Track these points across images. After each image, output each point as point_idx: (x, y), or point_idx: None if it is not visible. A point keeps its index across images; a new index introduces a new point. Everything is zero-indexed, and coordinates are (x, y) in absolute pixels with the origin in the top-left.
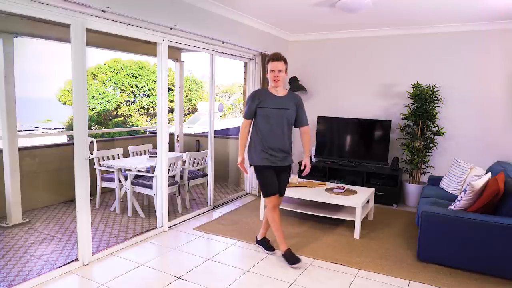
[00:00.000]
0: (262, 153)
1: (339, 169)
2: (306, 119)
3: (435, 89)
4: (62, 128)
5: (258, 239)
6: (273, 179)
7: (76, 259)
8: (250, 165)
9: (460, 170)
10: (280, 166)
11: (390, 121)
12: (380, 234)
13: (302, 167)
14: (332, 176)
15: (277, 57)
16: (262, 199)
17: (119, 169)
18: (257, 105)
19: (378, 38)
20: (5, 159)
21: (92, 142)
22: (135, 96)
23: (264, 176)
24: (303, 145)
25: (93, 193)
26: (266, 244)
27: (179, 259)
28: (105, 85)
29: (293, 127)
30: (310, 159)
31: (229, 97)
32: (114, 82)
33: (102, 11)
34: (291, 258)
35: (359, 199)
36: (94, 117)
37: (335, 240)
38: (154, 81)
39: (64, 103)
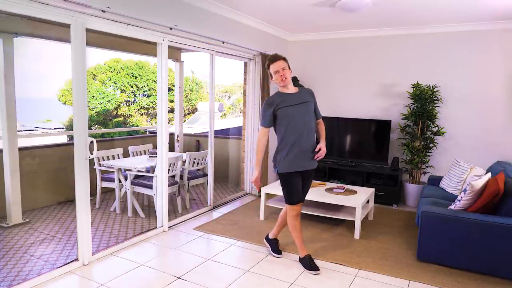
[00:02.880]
0: (288, 157)
1: (339, 169)
2: (319, 112)
3: (435, 89)
4: (62, 128)
5: (270, 237)
6: (298, 187)
7: (76, 259)
8: (276, 171)
9: (460, 170)
10: (307, 170)
11: (390, 121)
12: (380, 234)
13: (317, 150)
14: (332, 176)
15: (276, 58)
16: (262, 199)
17: (119, 169)
18: (275, 109)
19: (378, 38)
20: (5, 159)
21: (92, 142)
22: (135, 96)
23: (291, 183)
24: (319, 134)
25: (93, 193)
26: (275, 245)
27: (179, 259)
28: (105, 85)
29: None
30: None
31: (229, 97)
32: (114, 82)
33: (102, 11)
34: (311, 264)
35: (359, 199)
36: (94, 117)
37: (335, 240)
38: (154, 81)
39: (64, 103)
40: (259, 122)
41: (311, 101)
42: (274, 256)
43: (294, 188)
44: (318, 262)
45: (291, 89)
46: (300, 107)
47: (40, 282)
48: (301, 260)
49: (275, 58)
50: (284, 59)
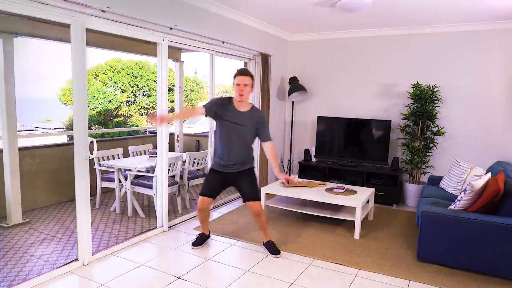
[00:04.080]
0: (218, 160)
1: (339, 169)
2: (268, 135)
3: (435, 89)
4: (62, 128)
5: (264, 242)
6: (214, 183)
7: (76, 259)
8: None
9: (460, 170)
10: (231, 172)
11: (390, 121)
12: (380, 234)
13: (284, 182)
14: (332, 176)
15: (244, 72)
16: (262, 199)
17: (119, 169)
18: (219, 111)
19: (378, 38)
20: (5, 159)
21: (92, 142)
22: (135, 96)
23: (208, 176)
24: (270, 161)
25: (93, 193)
26: (272, 247)
27: (179, 259)
28: (106, 85)
29: (253, 142)
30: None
31: None
32: (115, 82)
33: (102, 11)
34: (199, 242)
35: (359, 199)
36: (94, 117)
37: (335, 240)
38: (154, 81)
39: (65, 103)
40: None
41: (249, 126)
42: (273, 257)
43: (209, 182)
44: (318, 262)
45: (242, 107)
46: (235, 126)
47: (40, 282)
48: (202, 235)
49: (244, 72)
50: (252, 77)
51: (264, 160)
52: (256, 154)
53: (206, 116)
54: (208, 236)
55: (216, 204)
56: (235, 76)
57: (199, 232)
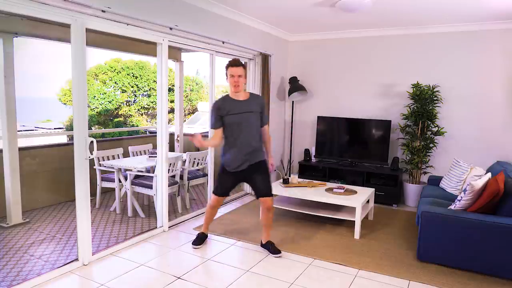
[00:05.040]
0: (231, 159)
1: (339, 169)
2: (267, 118)
3: (435, 89)
4: (62, 128)
5: (263, 242)
6: (227, 184)
7: (76, 259)
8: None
9: (460, 170)
10: (248, 166)
11: (390, 121)
12: (380, 234)
13: (269, 166)
14: (332, 176)
15: (236, 63)
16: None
17: (119, 169)
18: (224, 114)
19: (378, 38)
20: (5, 159)
21: (92, 142)
22: (135, 96)
23: (222, 178)
24: (265, 146)
25: (93, 193)
26: (272, 247)
27: (179, 259)
28: (106, 85)
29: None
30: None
31: None
32: (115, 82)
33: (102, 11)
34: (199, 241)
35: (359, 199)
36: (94, 117)
37: (335, 240)
38: (154, 81)
39: (65, 103)
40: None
41: (256, 110)
42: (274, 257)
43: (224, 183)
44: (318, 262)
45: (240, 96)
46: (244, 116)
47: (40, 282)
48: (199, 234)
49: (235, 63)
50: (244, 67)
51: None
52: None
53: (223, 126)
54: (207, 236)
55: None
56: (227, 68)
57: (199, 232)
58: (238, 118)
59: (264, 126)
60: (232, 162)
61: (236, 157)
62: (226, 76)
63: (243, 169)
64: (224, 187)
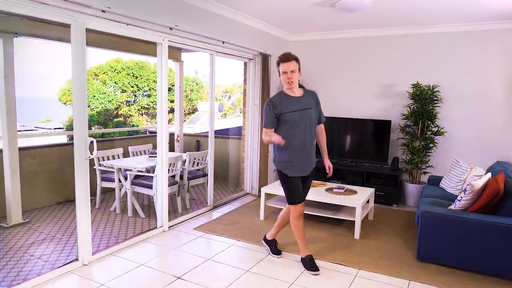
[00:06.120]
0: (291, 162)
1: (339, 169)
2: (322, 116)
3: (435, 89)
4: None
5: (268, 238)
6: (299, 187)
7: (76, 259)
8: (277, 169)
9: (460, 170)
10: (306, 175)
11: (390, 121)
12: (380, 234)
13: (327, 170)
14: (332, 176)
15: (287, 58)
16: (262, 199)
17: (119, 169)
18: (279, 113)
19: (378, 38)
20: (5, 159)
21: (92, 142)
22: (135, 96)
23: (291, 184)
24: (320, 144)
25: (93, 193)
26: (274, 246)
27: (179, 259)
28: (106, 85)
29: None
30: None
31: (229, 97)
32: (115, 82)
33: (102, 11)
34: (311, 264)
35: (359, 199)
36: (95, 117)
37: (335, 240)
38: (154, 81)
39: (65, 103)
40: (261, 122)
41: (314, 107)
42: (274, 257)
43: (295, 188)
44: (318, 262)
45: (296, 92)
46: (303, 113)
47: (40, 282)
48: (302, 260)
49: (287, 58)
50: (296, 59)
51: (265, 159)
52: (257, 150)
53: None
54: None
55: (216, 204)
56: (278, 64)
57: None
58: (297, 116)
59: (321, 124)
60: (295, 166)
61: (296, 161)
62: (279, 73)
63: (307, 175)
64: (298, 193)
